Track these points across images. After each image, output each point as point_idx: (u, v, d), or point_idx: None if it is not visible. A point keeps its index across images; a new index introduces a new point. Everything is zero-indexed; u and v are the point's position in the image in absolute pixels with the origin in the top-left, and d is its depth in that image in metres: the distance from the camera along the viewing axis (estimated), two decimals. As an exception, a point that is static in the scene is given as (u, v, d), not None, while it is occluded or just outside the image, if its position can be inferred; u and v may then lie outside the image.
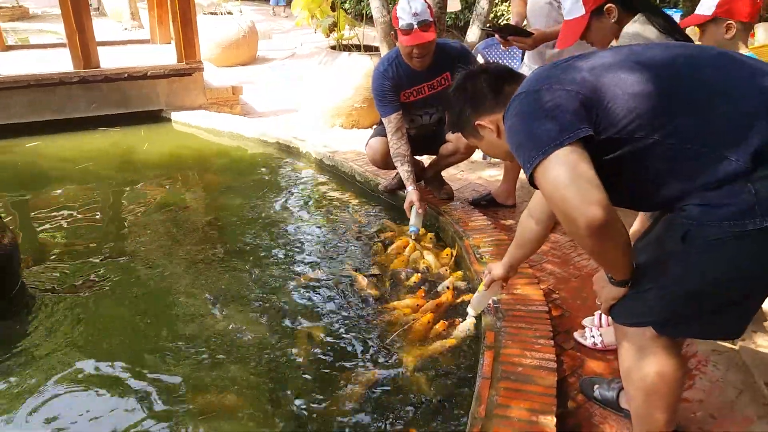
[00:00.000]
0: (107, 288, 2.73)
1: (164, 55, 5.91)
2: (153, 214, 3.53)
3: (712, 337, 1.83)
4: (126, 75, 5.20)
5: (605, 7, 1.99)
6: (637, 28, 1.96)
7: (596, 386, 2.04)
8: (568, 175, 1.28)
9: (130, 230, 3.34)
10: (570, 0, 2.03)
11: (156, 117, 5.41)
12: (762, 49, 3.49)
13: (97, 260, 2.97)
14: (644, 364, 1.53)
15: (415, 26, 2.89)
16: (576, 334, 2.35)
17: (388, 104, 3.13)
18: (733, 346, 2.30)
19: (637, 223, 2.23)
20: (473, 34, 4.85)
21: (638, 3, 2.02)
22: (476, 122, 1.66)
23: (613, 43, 2.09)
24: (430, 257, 2.88)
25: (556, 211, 1.36)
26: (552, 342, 2.15)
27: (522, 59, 3.64)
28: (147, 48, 6.59)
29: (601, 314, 2.35)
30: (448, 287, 2.62)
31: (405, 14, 2.90)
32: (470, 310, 2.29)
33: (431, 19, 2.92)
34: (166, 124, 5.35)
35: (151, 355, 2.30)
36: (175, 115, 5.36)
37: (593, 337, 2.31)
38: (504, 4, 7.52)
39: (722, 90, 1.31)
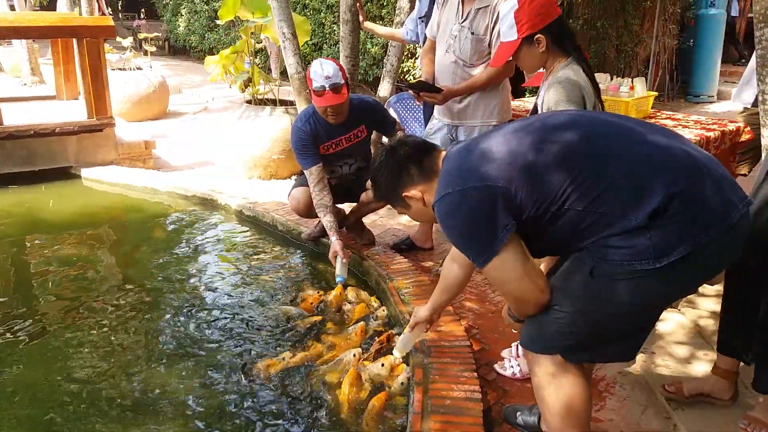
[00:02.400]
0: (15, 353, 2.63)
1: (72, 111, 5.77)
2: (62, 276, 3.41)
3: (611, 361, 2.04)
4: (32, 132, 5.04)
5: (535, 37, 2.20)
6: (569, 73, 2.18)
7: (518, 413, 2.17)
8: (518, 272, 1.56)
9: (37, 294, 3.22)
10: (506, 24, 2.23)
11: (65, 174, 5.24)
12: (640, 100, 3.93)
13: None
14: (555, 388, 1.66)
15: (327, 88, 3.04)
16: (496, 366, 2.51)
17: (309, 157, 3.25)
18: (636, 368, 2.53)
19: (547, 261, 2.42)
20: (384, 89, 5.07)
21: (567, 38, 2.24)
22: (403, 194, 1.79)
23: (548, 71, 2.29)
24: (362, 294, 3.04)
25: (506, 297, 1.70)
26: (476, 374, 2.28)
27: (423, 110, 4.07)
28: (53, 104, 6.41)
29: (518, 345, 2.52)
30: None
31: (317, 77, 3.04)
32: (396, 352, 2.35)
33: (342, 82, 3.07)
34: (76, 181, 5.18)
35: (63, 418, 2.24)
36: (85, 172, 5.21)
37: (512, 367, 2.46)
38: (410, 60, 7.91)
39: (620, 160, 1.53)
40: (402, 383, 2.33)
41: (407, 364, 2.40)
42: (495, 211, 1.53)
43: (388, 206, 2.08)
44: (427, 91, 3.08)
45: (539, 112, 2.30)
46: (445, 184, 1.63)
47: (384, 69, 5.02)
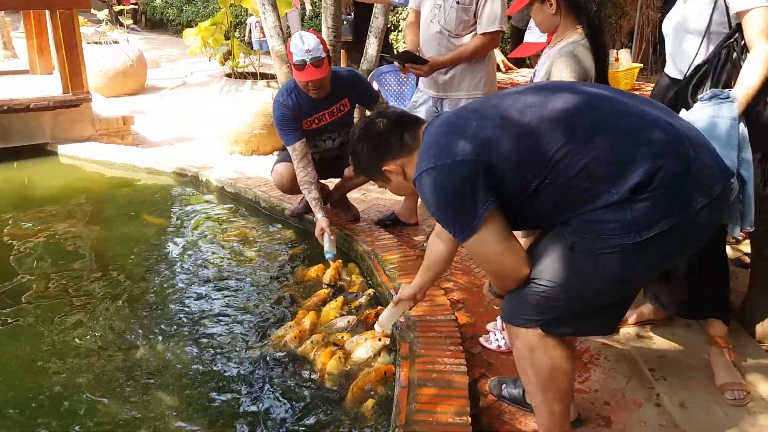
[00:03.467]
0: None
1: (47, 86, 5.62)
2: (42, 255, 3.34)
3: (591, 334, 2.05)
4: (6, 107, 4.90)
5: None
6: (579, 50, 2.14)
7: (504, 385, 2.18)
8: (499, 248, 1.55)
9: (21, 271, 3.15)
10: None
11: (41, 151, 5.13)
12: (627, 72, 3.91)
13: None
14: (537, 361, 1.66)
15: (308, 62, 2.96)
16: (481, 339, 2.51)
17: (291, 133, 3.19)
18: (620, 340, 2.55)
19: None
20: (371, 49, 4.81)
21: (579, 8, 2.17)
22: (383, 168, 1.75)
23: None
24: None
25: (486, 271, 1.69)
26: (461, 348, 2.29)
27: (416, 84, 3.84)
28: (27, 79, 6.24)
29: (503, 318, 2.52)
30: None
31: (298, 50, 2.96)
32: (377, 327, 2.34)
33: (324, 55, 2.99)
34: (53, 158, 5.07)
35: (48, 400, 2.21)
36: (62, 149, 5.11)
37: (497, 340, 2.47)
38: (392, 33, 7.78)
39: (604, 135, 1.51)
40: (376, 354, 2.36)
41: (390, 339, 2.41)
42: (475, 187, 1.50)
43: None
44: (413, 62, 3.03)
45: (536, 80, 2.27)
46: (425, 158, 1.60)
47: (370, 29, 4.84)
